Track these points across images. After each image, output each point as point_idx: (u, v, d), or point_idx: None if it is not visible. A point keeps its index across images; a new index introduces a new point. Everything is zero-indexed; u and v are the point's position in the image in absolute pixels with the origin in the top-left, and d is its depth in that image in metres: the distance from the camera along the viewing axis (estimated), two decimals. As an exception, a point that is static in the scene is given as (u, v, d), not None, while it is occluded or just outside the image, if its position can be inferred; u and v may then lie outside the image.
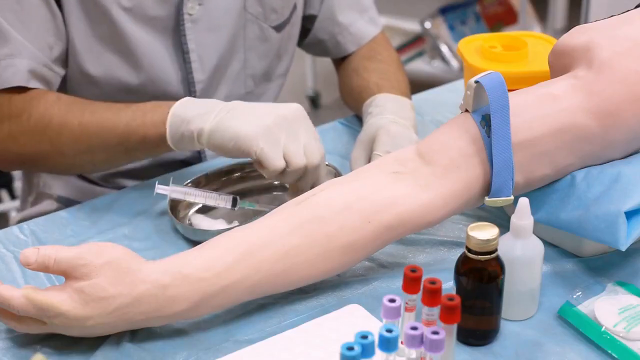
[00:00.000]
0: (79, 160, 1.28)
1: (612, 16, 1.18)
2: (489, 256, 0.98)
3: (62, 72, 1.32)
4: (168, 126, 1.19)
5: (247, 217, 1.20)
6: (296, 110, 1.17)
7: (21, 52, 1.25)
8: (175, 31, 1.36)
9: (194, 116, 1.18)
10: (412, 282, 0.94)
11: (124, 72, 1.34)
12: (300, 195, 1.09)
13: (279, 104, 1.19)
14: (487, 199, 1.09)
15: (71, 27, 1.30)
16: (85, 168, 1.35)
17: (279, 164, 1.14)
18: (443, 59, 3.35)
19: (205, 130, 1.16)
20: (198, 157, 1.46)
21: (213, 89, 1.42)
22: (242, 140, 1.14)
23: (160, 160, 1.43)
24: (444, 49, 3.34)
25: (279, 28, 1.45)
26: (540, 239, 1.04)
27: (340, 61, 1.56)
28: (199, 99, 1.23)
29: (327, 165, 1.29)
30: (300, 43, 1.55)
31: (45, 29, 1.27)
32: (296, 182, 1.18)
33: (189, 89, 1.39)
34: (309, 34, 1.53)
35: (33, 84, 1.26)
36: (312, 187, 1.15)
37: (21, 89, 1.26)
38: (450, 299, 0.89)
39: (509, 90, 1.08)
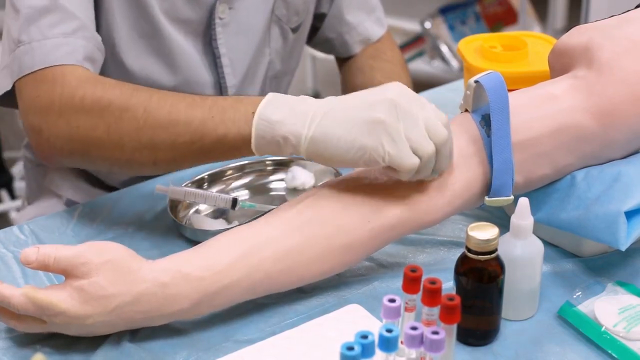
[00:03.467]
0: (138, 156, 1.10)
1: (612, 16, 1.18)
2: (489, 256, 0.98)
3: (103, 57, 1.23)
4: (254, 130, 1.03)
5: (247, 217, 1.20)
6: (401, 89, 1.03)
7: (79, 30, 1.16)
8: (206, 35, 1.36)
9: (283, 119, 1.03)
10: (412, 282, 0.94)
11: (160, 72, 1.34)
12: (300, 195, 1.09)
13: (374, 89, 1.05)
14: (486, 198, 1.09)
15: (114, 23, 1.28)
16: (144, 167, 1.13)
17: (413, 162, 1.00)
18: (443, 59, 3.35)
19: (304, 138, 1.02)
20: None
21: (244, 93, 1.42)
22: (364, 150, 1.00)
23: None
24: (444, 49, 3.34)
25: (296, 29, 1.46)
26: (540, 239, 1.04)
27: (344, 59, 1.56)
28: (285, 95, 1.06)
29: (327, 165, 1.30)
30: (308, 41, 1.56)
31: (92, 10, 1.22)
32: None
33: (221, 94, 1.39)
34: (317, 33, 1.53)
35: (87, 65, 1.16)
36: (449, 158, 1.04)
37: (74, 69, 1.14)
38: (450, 299, 0.89)
39: (509, 90, 1.08)
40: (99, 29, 1.27)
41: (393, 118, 1.00)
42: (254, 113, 1.04)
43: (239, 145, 1.05)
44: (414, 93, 1.03)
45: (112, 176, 1.42)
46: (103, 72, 1.29)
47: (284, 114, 1.03)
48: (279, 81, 1.50)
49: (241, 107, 1.06)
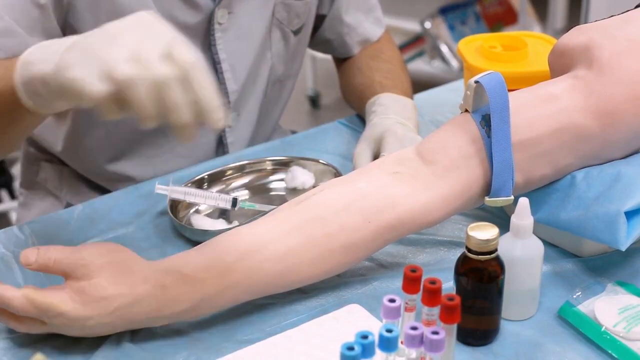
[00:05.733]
0: None
1: (612, 16, 1.18)
2: (489, 256, 0.98)
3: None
4: (17, 76, 0.98)
5: (247, 217, 1.20)
6: (142, 16, 0.93)
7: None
8: (205, 41, 1.35)
9: (36, 60, 0.96)
10: (412, 282, 0.94)
11: None
12: (300, 195, 1.09)
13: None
14: (487, 198, 1.09)
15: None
16: None
17: (92, 88, 0.87)
18: (443, 59, 3.35)
19: (49, 75, 0.93)
20: (221, 151, 1.45)
21: (246, 97, 1.42)
22: (66, 78, 0.89)
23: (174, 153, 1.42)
24: (444, 49, 3.34)
25: (297, 31, 1.45)
26: (540, 239, 1.04)
27: (343, 59, 1.56)
28: (54, 39, 0.99)
29: (326, 165, 1.30)
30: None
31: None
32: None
33: (222, 99, 1.39)
34: (316, 33, 1.53)
35: None
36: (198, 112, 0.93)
37: None
38: (450, 299, 0.89)
39: (509, 90, 1.08)
40: None
41: (100, 42, 0.89)
42: None
43: (14, 99, 1.00)
44: (156, 19, 0.93)
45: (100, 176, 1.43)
46: None
47: (39, 55, 0.97)
48: (282, 85, 1.49)
49: (14, 60, 1.00)
